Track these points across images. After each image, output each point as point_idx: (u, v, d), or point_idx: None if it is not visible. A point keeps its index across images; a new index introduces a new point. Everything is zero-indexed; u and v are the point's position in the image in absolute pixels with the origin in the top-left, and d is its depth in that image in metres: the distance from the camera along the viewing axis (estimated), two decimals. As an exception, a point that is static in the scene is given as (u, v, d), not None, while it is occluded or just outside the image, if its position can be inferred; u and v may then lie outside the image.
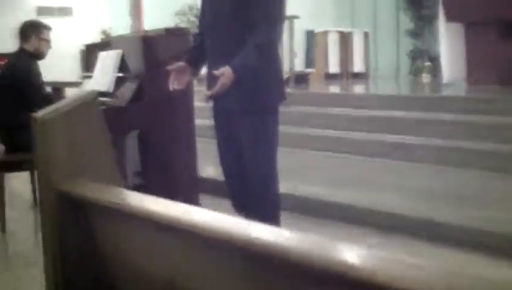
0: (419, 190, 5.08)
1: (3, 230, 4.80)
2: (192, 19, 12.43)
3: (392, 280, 0.90)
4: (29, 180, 5.42)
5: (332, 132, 7.17)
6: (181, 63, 3.48)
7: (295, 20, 9.75)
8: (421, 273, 0.91)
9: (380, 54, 12.49)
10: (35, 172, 2.28)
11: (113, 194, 1.46)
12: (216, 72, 3.13)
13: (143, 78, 4.60)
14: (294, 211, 4.69)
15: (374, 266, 0.95)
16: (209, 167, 5.45)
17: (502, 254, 3.81)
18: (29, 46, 5.13)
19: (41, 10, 13.33)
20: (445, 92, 8.11)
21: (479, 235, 4.05)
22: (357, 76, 11.28)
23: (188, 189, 4.79)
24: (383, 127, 6.82)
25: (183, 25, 12.41)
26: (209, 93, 3.27)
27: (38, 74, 5.08)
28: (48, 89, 5.21)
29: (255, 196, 3.48)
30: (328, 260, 0.99)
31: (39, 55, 5.19)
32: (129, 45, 4.88)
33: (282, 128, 3.51)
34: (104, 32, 12.86)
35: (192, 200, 4.78)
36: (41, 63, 5.24)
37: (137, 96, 4.59)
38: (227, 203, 3.71)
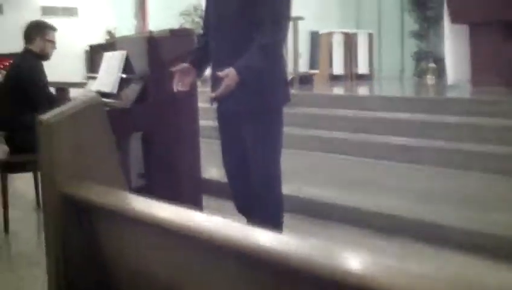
0: (422, 192, 5.07)
1: (7, 230, 4.81)
2: (197, 19, 12.43)
3: (393, 287, 0.90)
4: (33, 181, 5.43)
5: (337, 133, 7.16)
6: (185, 65, 3.48)
7: (299, 21, 9.76)
8: (426, 282, 0.91)
9: (385, 56, 12.48)
10: (39, 173, 2.28)
11: (118, 198, 1.46)
12: (220, 74, 3.13)
13: (147, 79, 4.60)
14: (297, 213, 4.69)
15: (376, 274, 0.95)
16: (213, 169, 5.45)
17: (504, 256, 3.80)
18: (34, 47, 5.14)
19: (46, 10, 13.36)
20: (450, 94, 8.10)
21: (482, 238, 4.05)
22: (361, 77, 11.27)
23: (191, 190, 4.79)
24: (387, 128, 6.82)
25: (187, 26, 12.41)
26: (213, 95, 3.28)
27: (43, 75, 5.08)
28: (52, 90, 5.21)
29: (259, 198, 3.48)
30: (329, 266, 0.99)
31: (44, 56, 5.19)
32: (134, 46, 4.88)
33: (286, 129, 3.51)
34: (108, 33, 12.88)
35: (195, 201, 4.78)
36: (45, 63, 5.24)
37: (141, 97, 4.59)
38: (230, 205, 3.71)
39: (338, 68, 11.12)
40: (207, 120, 4.73)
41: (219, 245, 1.13)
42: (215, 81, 3.28)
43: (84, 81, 6.24)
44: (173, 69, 3.46)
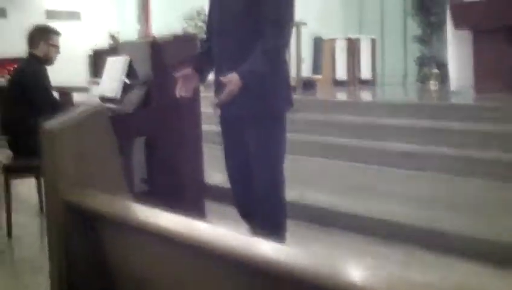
0: (426, 199, 5.06)
1: (10, 235, 4.81)
2: (200, 24, 12.45)
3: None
4: (36, 185, 5.43)
5: (340, 139, 7.15)
6: (188, 70, 3.48)
7: (302, 27, 9.77)
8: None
9: (388, 61, 12.47)
10: (42, 179, 2.28)
11: (121, 207, 1.46)
12: (223, 79, 3.13)
13: (150, 84, 4.61)
14: (300, 219, 4.68)
15: (379, 284, 0.94)
16: (216, 174, 5.44)
17: (508, 264, 3.79)
18: (38, 52, 5.14)
19: (50, 14, 13.39)
20: (453, 100, 8.09)
21: (486, 245, 4.04)
22: (364, 83, 11.26)
23: (194, 195, 4.79)
24: (390, 135, 6.80)
25: (190, 30, 12.44)
26: (216, 101, 3.28)
27: (47, 80, 5.08)
28: (55, 95, 5.21)
29: (262, 203, 3.47)
30: (332, 277, 0.99)
31: (48, 61, 5.20)
32: (137, 51, 4.89)
33: (288, 135, 3.51)
34: (112, 37, 12.89)
35: (198, 206, 4.78)
36: (49, 67, 5.25)
37: (144, 102, 4.59)
38: (233, 210, 3.71)
39: (341, 73, 11.11)
40: (210, 125, 4.72)
41: (223, 255, 1.12)
42: (219, 86, 3.28)
43: (88, 85, 6.26)
44: (176, 74, 3.46)
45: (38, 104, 4.86)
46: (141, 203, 1.49)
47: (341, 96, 9.86)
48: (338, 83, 10.99)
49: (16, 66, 5.58)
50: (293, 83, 6.00)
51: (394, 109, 7.46)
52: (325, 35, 11.44)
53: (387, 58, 12.44)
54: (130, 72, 4.82)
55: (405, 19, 12.24)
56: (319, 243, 4.50)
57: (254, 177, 3.45)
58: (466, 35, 8.21)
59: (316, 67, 12.05)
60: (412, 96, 10.04)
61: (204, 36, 3.80)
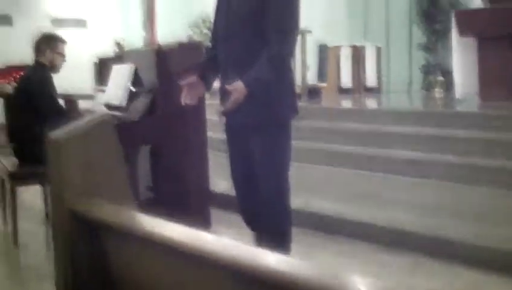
0: (431, 207, 5.05)
1: (16, 243, 4.81)
2: (205, 31, 12.47)
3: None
4: (41, 193, 5.43)
5: (345, 147, 7.15)
6: (193, 78, 3.48)
7: (308, 34, 9.78)
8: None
9: (393, 68, 12.47)
10: (47, 186, 2.28)
11: (127, 217, 1.46)
12: (228, 87, 3.14)
13: (156, 92, 4.62)
14: (305, 227, 4.68)
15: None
16: (222, 181, 5.44)
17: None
18: (44, 59, 5.16)
19: (56, 22, 13.43)
20: (458, 108, 8.08)
21: (490, 253, 4.03)
22: (369, 90, 11.26)
23: (199, 203, 4.79)
24: (395, 142, 6.80)
25: (196, 37, 12.46)
26: (221, 108, 3.28)
27: (52, 87, 5.10)
28: (61, 102, 5.23)
29: (267, 211, 3.47)
30: (336, 288, 0.99)
31: (54, 69, 5.21)
32: (142, 59, 4.90)
33: (293, 142, 3.51)
34: (117, 44, 12.92)
35: (203, 214, 4.79)
36: (54, 75, 5.26)
37: (150, 110, 4.61)
38: (238, 218, 3.71)
39: (346, 81, 11.11)
40: (215, 132, 4.73)
41: (226, 266, 1.13)
42: (224, 94, 3.29)
43: (93, 93, 6.27)
44: (181, 82, 3.46)
45: (44, 112, 4.87)
46: (146, 212, 1.50)
47: (346, 103, 9.86)
48: (343, 91, 10.99)
49: (22, 73, 5.60)
50: (298, 90, 6.01)
51: (399, 116, 7.46)
52: (330, 42, 11.45)
53: (392, 66, 12.44)
54: (136, 80, 4.83)
55: (410, 27, 12.25)
56: (324, 250, 4.50)
57: (259, 184, 3.45)
58: (471, 42, 8.20)
59: (321, 75, 12.06)
60: (417, 104, 10.03)
61: (209, 44, 3.80)
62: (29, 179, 4.87)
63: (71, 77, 6.95)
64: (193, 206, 4.72)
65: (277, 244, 3.41)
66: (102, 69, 5.92)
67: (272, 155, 3.41)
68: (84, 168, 1.64)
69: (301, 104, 5.26)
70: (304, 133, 6.99)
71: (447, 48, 10.45)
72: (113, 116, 4.57)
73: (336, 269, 1.02)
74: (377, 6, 12.82)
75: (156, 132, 4.61)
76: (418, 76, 12.04)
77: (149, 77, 4.72)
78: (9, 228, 4.93)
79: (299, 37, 3.84)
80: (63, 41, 5.30)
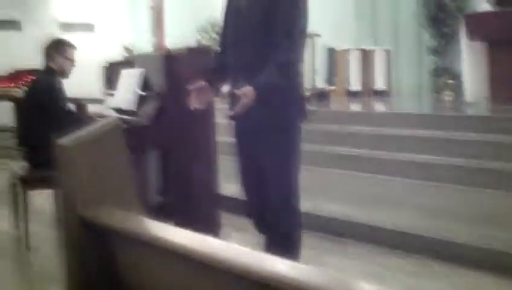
0: (439, 210, 5.04)
1: (27, 246, 4.82)
2: (214, 35, 12.48)
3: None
4: (52, 196, 5.44)
5: (354, 150, 7.14)
6: (202, 83, 3.48)
7: (316, 38, 9.78)
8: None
9: (402, 72, 12.44)
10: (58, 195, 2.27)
11: (136, 223, 1.47)
12: (237, 92, 3.14)
13: (165, 97, 4.63)
14: (314, 230, 4.68)
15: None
16: (231, 185, 5.44)
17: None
18: (54, 65, 5.17)
19: (65, 26, 13.49)
20: (468, 111, 8.06)
21: (498, 256, 4.02)
22: (378, 93, 11.24)
23: (209, 207, 4.79)
24: (404, 146, 6.79)
25: (204, 42, 12.48)
26: (231, 112, 3.28)
27: (62, 92, 5.10)
28: (71, 106, 5.24)
29: (276, 214, 3.47)
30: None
31: (63, 74, 5.23)
32: (152, 63, 4.91)
33: (302, 146, 3.51)
34: (126, 49, 12.96)
35: (213, 218, 4.79)
36: (64, 79, 5.28)
37: (159, 114, 4.61)
38: (247, 221, 3.71)
39: (355, 84, 11.10)
40: (225, 136, 4.73)
41: (231, 270, 1.13)
42: (233, 98, 3.29)
43: (102, 98, 6.29)
44: (190, 87, 3.46)
45: (53, 117, 4.89)
46: (156, 216, 1.50)
47: (355, 107, 9.85)
48: (352, 94, 10.98)
49: (31, 77, 5.62)
50: (306, 94, 6.01)
51: (408, 119, 7.44)
52: (339, 46, 11.44)
53: (401, 69, 12.41)
54: (145, 84, 4.84)
55: (419, 30, 12.22)
56: (332, 253, 4.50)
57: (268, 188, 3.45)
58: (480, 46, 8.19)
59: (330, 78, 12.05)
60: (427, 107, 10.01)
61: (218, 48, 3.81)
62: (40, 183, 4.88)
63: (79, 82, 6.97)
64: (203, 210, 4.72)
65: (286, 247, 3.41)
66: (111, 73, 5.93)
67: (281, 159, 3.41)
68: (93, 174, 1.64)
69: (310, 107, 5.25)
70: (312, 137, 6.98)
71: (456, 51, 10.43)
72: (123, 120, 4.58)
73: (344, 276, 1.02)
74: (385, 9, 12.80)
75: (165, 136, 4.61)
76: (427, 79, 12.01)
77: (158, 81, 4.73)
78: (21, 231, 4.94)
79: (308, 41, 3.84)
80: (72, 47, 5.31)
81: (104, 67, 6.51)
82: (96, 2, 14.35)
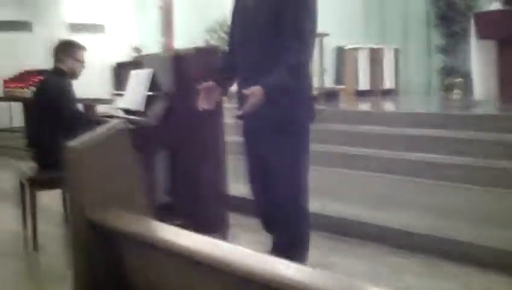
0: (448, 210, 5.03)
1: (36, 248, 4.84)
2: (223, 35, 12.48)
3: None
4: (60, 196, 5.45)
5: (362, 150, 7.13)
6: (210, 83, 3.48)
7: (325, 37, 9.77)
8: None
9: (411, 71, 12.41)
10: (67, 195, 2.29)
11: (144, 226, 1.47)
12: (246, 92, 3.14)
13: (173, 97, 4.63)
14: (321, 230, 4.68)
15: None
16: (240, 185, 5.44)
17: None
18: (64, 66, 5.18)
19: (74, 27, 13.52)
20: (478, 110, 8.03)
21: (507, 256, 4.00)
22: (387, 93, 11.22)
23: (217, 207, 4.80)
24: (413, 145, 6.77)
25: (213, 42, 12.48)
26: (239, 112, 3.29)
27: (71, 93, 5.10)
28: (80, 107, 5.25)
29: (284, 214, 3.47)
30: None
31: (73, 75, 5.23)
32: (160, 64, 4.92)
33: (311, 146, 3.51)
34: (135, 49, 12.98)
35: (221, 218, 4.79)
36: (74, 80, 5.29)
37: (167, 114, 4.62)
38: (256, 221, 3.71)
39: (364, 84, 11.07)
40: (234, 136, 4.74)
41: (243, 275, 1.13)
42: (241, 98, 3.29)
43: (111, 98, 6.30)
44: (198, 87, 3.47)
45: (62, 118, 4.90)
46: (164, 216, 1.51)
47: (364, 106, 9.83)
48: (361, 93, 10.96)
49: (39, 78, 5.63)
50: (315, 93, 6.00)
51: (417, 118, 7.42)
52: (348, 45, 11.42)
53: (410, 68, 12.38)
54: (154, 84, 4.85)
55: (428, 29, 12.20)
56: (340, 253, 4.49)
57: (277, 188, 3.45)
58: (490, 44, 8.16)
59: (339, 78, 12.04)
60: (436, 106, 9.98)
61: (226, 48, 3.81)
62: (48, 184, 4.89)
63: (89, 82, 7.00)
64: (211, 210, 4.73)
65: (294, 247, 3.41)
66: (120, 74, 5.94)
67: (289, 159, 3.41)
68: (101, 176, 1.65)
69: (319, 107, 5.25)
70: (321, 136, 6.97)
71: (466, 50, 10.39)
72: (131, 121, 4.59)
73: (350, 279, 1.02)
74: (394, 8, 12.79)
75: (173, 136, 4.62)
76: (436, 78, 11.98)
77: (167, 81, 4.73)
78: (29, 231, 4.96)
79: (316, 40, 3.83)
80: (82, 48, 5.31)
81: (112, 68, 6.52)
82: (105, 3, 14.38)
